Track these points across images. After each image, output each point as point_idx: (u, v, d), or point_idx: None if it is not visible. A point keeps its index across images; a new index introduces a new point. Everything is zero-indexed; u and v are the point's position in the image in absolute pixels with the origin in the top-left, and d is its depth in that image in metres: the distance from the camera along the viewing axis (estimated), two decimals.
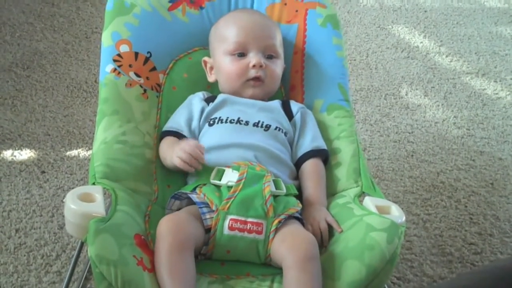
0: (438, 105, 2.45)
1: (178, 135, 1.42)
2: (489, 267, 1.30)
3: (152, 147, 1.43)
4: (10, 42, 2.58)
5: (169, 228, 1.15)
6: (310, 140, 1.45)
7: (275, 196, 1.27)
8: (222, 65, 1.51)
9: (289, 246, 1.17)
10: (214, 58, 1.55)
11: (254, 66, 1.46)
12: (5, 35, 2.63)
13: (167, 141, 1.42)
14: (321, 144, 1.46)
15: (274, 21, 1.62)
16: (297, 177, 1.43)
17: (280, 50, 1.54)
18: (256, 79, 1.48)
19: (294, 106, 1.52)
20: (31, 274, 1.54)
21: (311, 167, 1.42)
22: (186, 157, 1.30)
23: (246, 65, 1.47)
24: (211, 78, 1.57)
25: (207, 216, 1.23)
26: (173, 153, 1.34)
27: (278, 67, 1.52)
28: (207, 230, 1.22)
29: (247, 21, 1.53)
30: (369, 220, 1.19)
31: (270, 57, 1.51)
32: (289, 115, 1.50)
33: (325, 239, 1.26)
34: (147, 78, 1.52)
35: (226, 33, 1.52)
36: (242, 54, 1.49)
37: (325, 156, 1.45)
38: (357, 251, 1.14)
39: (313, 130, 1.48)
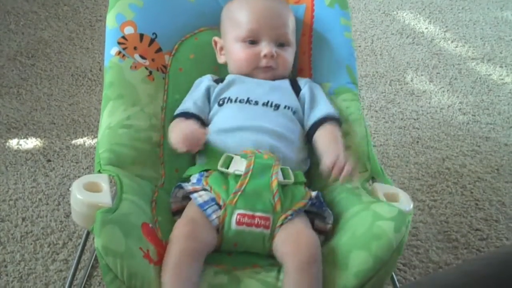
0: (443, 91, 2.44)
1: (186, 115, 1.40)
2: (495, 253, 1.30)
3: (159, 129, 1.41)
4: (14, 31, 2.58)
5: (184, 234, 1.14)
6: (323, 107, 1.43)
7: (283, 186, 1.25)
8: (233, 50, 1.49)
9: (292, 247, 1.15)
10: (224, 41, 1.52)
11: (265, 56, 1.45)
12: (10, 23, 2.63)
13: (174, 122, 1.40)
14: (334, 111, 1.43)
15: (287, 5, 1.59)
16: (308, 155, 1.41)
17: (292, 37, 1.52)
18: (267, 67, 1.46)
19: (301, 80, 1.51)
20: (38, 263, 1.55)
21: (327, 130, 1.39)
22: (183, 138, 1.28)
23: (257, 53, 1.45)
24: (220, 60, 1.54)
25: (214, 216, 1.20)
26: (172, 133, 1.32)
27: (289, 55, 1.50)
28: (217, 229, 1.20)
29: (261, 7, 1.49)
30: (376, 208, 1.18)
31: (281, 45, 1.48)
32: (297, 90, 1.48)
33: (345, 172, 1.24)
34: (153, 59, 1.50)
35: (239, 18, 1.49)
36: (253, 42, 1.46)
37: (339, 123, 1.42)
38: (364, 241, 1.13)
39: (324, 99, 1.46)
